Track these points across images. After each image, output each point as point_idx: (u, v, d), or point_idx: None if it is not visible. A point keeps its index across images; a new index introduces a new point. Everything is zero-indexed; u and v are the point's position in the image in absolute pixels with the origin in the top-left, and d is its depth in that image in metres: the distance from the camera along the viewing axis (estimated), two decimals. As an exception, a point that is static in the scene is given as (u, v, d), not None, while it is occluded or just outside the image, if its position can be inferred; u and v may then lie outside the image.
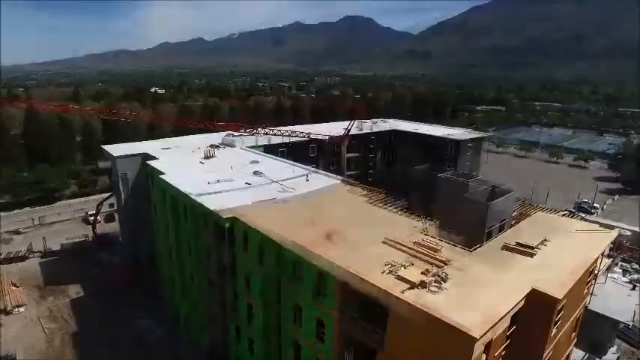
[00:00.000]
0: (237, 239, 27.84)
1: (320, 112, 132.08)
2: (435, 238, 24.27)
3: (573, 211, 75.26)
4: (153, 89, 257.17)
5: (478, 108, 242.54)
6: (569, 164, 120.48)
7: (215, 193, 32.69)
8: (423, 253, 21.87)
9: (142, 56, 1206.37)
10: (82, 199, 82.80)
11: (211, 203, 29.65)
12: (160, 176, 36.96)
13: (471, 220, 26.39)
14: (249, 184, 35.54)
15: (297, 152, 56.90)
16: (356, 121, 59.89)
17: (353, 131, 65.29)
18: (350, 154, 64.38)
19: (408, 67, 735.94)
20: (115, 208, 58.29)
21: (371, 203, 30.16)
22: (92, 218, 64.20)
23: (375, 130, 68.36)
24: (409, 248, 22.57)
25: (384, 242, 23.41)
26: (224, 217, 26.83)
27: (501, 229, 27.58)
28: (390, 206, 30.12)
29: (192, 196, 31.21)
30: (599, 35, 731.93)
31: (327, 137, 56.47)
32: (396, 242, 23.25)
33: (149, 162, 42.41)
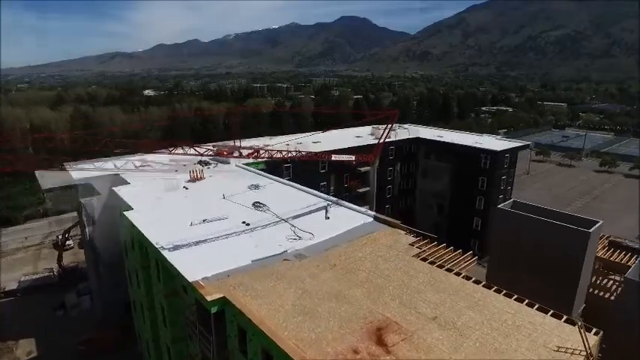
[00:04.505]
0: (230, 329, 17.87)
1: (325, 116, 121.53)
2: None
3: None
4: (146, 92, 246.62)
5: (483, 108, 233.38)
6: (625, 174, 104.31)
7: (198, 243, 22.82)
8: None
9: (138, 58, 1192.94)
10: (56, 217, 72.66)
11: (191, 263, 19.86)
12: (125, 213, 26.97)
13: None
14: (248, 224, 25.65)
15: (304, 168, 47.64)
16: (386, 132, 48.81)
17: (368, 141, 55.51)
18: (364, 168, 54.59)
19: (406, 67, 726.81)
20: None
21: (431, 262, 20.22)
22: (62, 245, 54.75)
23: (394, 138, 58.41)
24: None
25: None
26: (209, 298, 16.85)
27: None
28: (464, 265, 20.41)
29: (165, 253, 21.27)
30: (598, 34, 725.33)
31: (353, 159, 46.02)
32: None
33: (115, 189, 32.38)
